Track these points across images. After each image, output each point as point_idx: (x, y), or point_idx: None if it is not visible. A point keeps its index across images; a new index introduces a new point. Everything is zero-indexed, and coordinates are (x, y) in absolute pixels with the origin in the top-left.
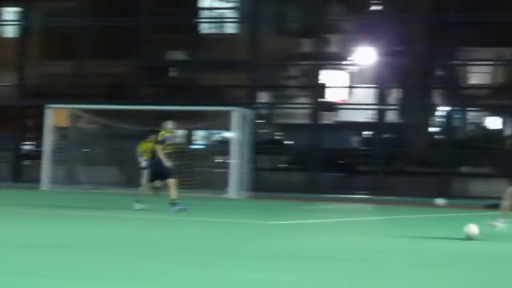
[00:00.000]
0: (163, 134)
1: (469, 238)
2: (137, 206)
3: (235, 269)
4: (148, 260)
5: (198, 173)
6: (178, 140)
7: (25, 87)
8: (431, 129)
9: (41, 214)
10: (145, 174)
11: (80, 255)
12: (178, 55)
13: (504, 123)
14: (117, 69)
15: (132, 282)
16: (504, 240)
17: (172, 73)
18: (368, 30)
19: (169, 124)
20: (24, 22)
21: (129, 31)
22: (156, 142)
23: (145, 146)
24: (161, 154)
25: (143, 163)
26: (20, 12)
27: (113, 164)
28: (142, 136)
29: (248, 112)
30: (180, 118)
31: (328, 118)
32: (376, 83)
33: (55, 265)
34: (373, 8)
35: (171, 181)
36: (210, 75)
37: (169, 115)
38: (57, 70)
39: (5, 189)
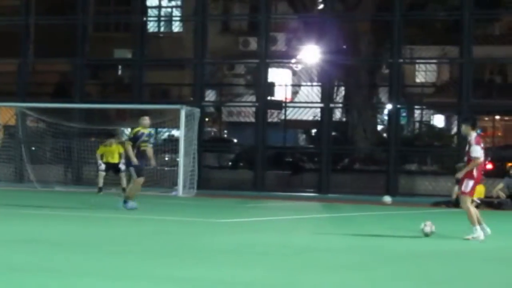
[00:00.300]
0: (137, 130)
1: (426, 235)
2: (130, 204)
3: (172, 266)
4: (99, 255)
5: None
6: (151, 138)
7: None
8: (376, 127)
9: None
10: (126, 174)
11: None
12: (124, 53)
13: (448, 121)
14: (61, 67)
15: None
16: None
17: (118, 71)
18: (313, 28)
19: (145, 120)
20: None
21: (74, 29)
22: (129, 138)
23: (103, 150)
24: (129, 152)
25: (102, 166)
26: None
27: (60, 162)
28: (101, 141)
29: (195, 110)
30: (126, 117)
31: (274, 117)
32: (322, 82)
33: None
34: (318, 6)
35: (139, 180)
36: (156, 74)
37: (145, 111)
38: (2, 68)
39: None
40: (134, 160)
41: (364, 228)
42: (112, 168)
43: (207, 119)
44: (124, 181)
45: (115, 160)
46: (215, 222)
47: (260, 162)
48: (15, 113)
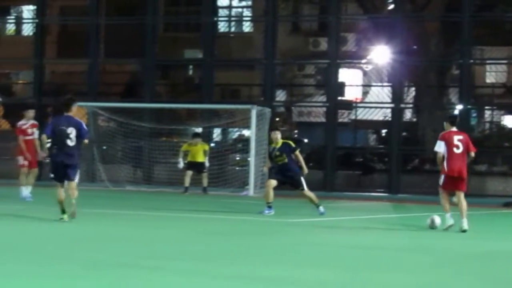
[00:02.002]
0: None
1: (432, 227)
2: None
3: (244, 265)
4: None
5: (216, 172)
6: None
7: (42, 85)
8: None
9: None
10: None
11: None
12: (194, 54)
13: None
14: (131, 67)
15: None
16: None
17: (188, 71)
18: (383, 29)
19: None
20: (40, 20)
21: (144, 29)
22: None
23: (187, 148)
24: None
25: (181, 164)
26: (36, 10)
27: (131, 161)
28: (183, 140)
29: (265, 110)
30: (196, 117)
31: (344, 117)
32: (392, 82)
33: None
34: (388, 7)
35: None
36: (226, 74)
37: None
38: (73, 68)
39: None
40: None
41: (437, 229)
42: (196, 167)
43: (277, 119)
44: (205, 181)
45: (199, 159)
46: (285, 222)
47: (330, 162)
48: (86, 112)
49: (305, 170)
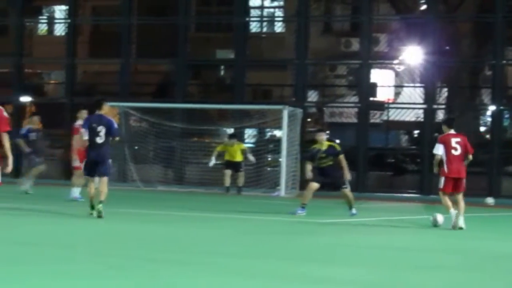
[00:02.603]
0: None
1: (435, 225)
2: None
3: (276, 264)
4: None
5: (247, 172)
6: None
7: (73, 85)
8: (479, 129)
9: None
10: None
11: None
12: (226, 54)
13: None
14: (163, 67)
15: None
16: None
17: (220, 72)
18: (416, 29)
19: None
20: (72, 20)
21: (176, 29)
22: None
23: (223, 148)
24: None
25: (212, 162)
26: (68, 10)
27: (162, 162)
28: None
29: (297, 111)
30: (228, 117)
31: (376, 117)
32: (424, 83)
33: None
34: (420, 7)
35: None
36: (258, 74)
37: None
38: (105, 68)
39: (59, 187)
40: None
41: (466, 229)
42: (232, 166)
43: (309, 120)
44: (241, 180)
45: (237, 158)
46: (317, 222)
47: (361, 163)
48: (118, 112)
49: (348, 175)
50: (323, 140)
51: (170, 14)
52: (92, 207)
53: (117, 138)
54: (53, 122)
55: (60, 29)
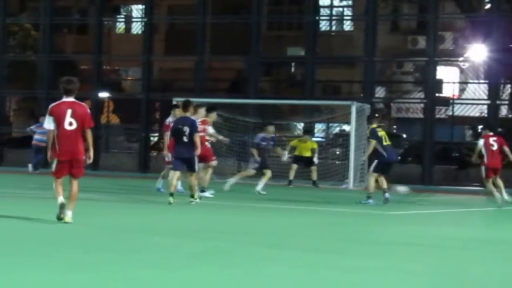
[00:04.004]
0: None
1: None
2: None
3: (342, 255)
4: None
5: (317, 165)
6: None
7: (150, 81)
8: None
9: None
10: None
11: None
12: (296, 51)
13: None
14: (236, 64)
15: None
16: None
17: (291, 68)
18: (480, 27)
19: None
20: (148, 19)
21: (249, 28)
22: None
23: (296, 144)
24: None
25: (285, 157)
26: (144, 9)
27: (235, 155)
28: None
29: (365, 106)
30: (298, 112)
31: (442, 113)
32: (488, 79)
33: None
34: (485, 6)
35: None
36: (327, 71)
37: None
38: (180, 65)
39: (136, 179)
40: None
41: None
42: (302, 161)
43: (376, 115)
44: (315, 174)
45: (306, 154)
46: (384, 214)
47: (428, 157)
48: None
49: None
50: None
51: (243, 13)
52: (171, 195)
53: (197, 136)
54: (130, 117)
55: (137, 28)
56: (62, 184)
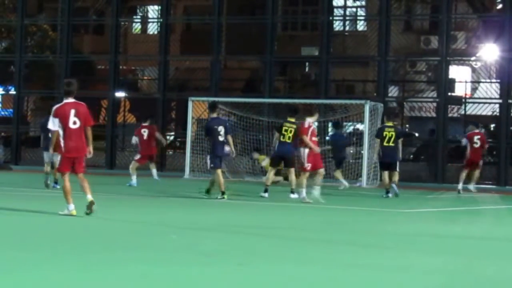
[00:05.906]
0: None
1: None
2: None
3: (354, 252)
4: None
5: (330, 163)
6: None
7: (166, 81)
8: None
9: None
10: None
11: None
12: (310, 51)
13: None
14: (251, 64)
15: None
16: None
17: (305, 68)
18: (492, 27)
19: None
20: (164, 20)
21: (263, 28)
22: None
23: None
24: None
25: None
26: (160, 10)
27: (249, 154)
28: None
29: (378, 105)
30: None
31: (454, 112)
32: (500, 78)
33: None
34: (497, 6)
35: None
36: (341, 70)
37: None
38: (196, 64)
39: (151, 178)
40: None
41: None
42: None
43: (396, 112)
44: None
45: None
46: (397, 212)
47: (440, 155)
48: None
49: None
50: None
51: (258, 13)
52: (207, 191)
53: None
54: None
55: (153, 28)
56: (70, 188)
